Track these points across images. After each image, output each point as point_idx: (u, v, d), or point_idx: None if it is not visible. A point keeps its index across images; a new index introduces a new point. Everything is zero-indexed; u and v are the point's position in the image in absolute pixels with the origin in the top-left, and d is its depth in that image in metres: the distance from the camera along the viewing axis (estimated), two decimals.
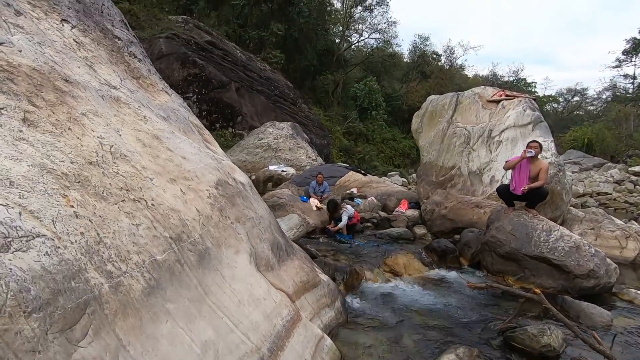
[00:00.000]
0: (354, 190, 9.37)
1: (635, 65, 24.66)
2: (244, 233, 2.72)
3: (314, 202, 7.17)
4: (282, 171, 11.77)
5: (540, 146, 4.91)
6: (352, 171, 10.99)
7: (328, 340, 2.82)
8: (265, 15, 21.65)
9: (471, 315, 3.82)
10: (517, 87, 30.88)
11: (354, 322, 3.60)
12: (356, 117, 25.95)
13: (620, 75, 26.32)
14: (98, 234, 1.63)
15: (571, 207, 7.45)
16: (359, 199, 8.40)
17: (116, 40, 3.48)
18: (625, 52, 24.66)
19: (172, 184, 2.37)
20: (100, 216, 1.71)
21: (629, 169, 16.02)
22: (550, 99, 36.99)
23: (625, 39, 24.71)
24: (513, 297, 3.99)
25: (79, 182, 1.77)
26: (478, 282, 3.63)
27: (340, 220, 6.45)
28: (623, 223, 7.38)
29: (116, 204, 1.86)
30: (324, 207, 7.02)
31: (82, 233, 1.56)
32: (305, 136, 16.17)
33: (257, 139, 14.58)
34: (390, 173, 19.92)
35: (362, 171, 11.39)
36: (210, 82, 16.17)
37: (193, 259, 2.08)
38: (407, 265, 5.08)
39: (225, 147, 14.96)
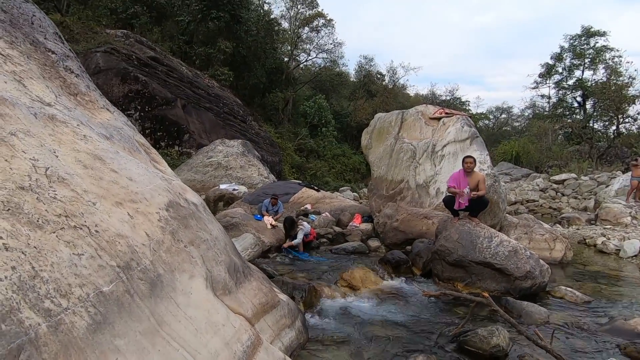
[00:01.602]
0: (308, 206, 9.40)
1: (549, 86, 28.05)
2: (198, 256, 2.59)
3: (268, 220, 7.06)
4: (234, 190, 11.48)
5: (475, 160, 5.34)
6: (305, 187, 11.03)
7: None
8: (212, 32, 21.38)
9: (427, 323, 3.96)
10: (454, 105, 33.52)
11: (315, 340, 3.55)
12: (307, 134, 26.28)
13: (538, 95, 29.74)
14: (33, 268, 1.45)
15: (507, 215, 8.12)
16: (313, 215, 8.43)
17: (49, 53, 3.22)
18: (541, 75, 28.01)
19: (118, 208, 2.20)
20: (35, 247, 1.53)
21: (551, 177, 17.94)
22: (482, 116, 40.58)
23: (540, 64, 28.09)
24: (464, 303, 4.21)
25: (9, 209, 1.57)
26: (433, 291, 3.78)
27: (296, 237, 6.40)
28: (550, 227, 8.20)
29: (54, 232, 1.68)
30: (279, 225, 6.94)
31: (13, 267, 1.38)
32: (257, 153, 15.99)
33: (206, 157, 14.12)
34: (342, 188, 20.29)
35: (315, 187, 11.48)
36: (154, 99, 15.46)
37: (144, 288, 1.93)
38: (364, 278, 5.15)
39: (172, 166, 14.23)
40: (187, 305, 2.16)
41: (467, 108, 37.47)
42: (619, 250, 7.24)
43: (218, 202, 11.22)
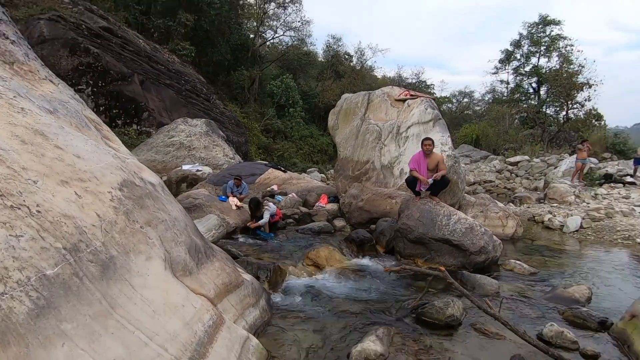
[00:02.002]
0: (275, 187, 9.32)
1: (508, 72, 29.21)
2: (156, 237, 2.49)
3: (233, 201, 6.93)
4: (197, 171, 11.12)
5: (433, 142, 5.50)
6: (271, 168, 10.90)
7: (254, 340, 2.76)
8: (172, 3, 20.06)
9: (388, 297, 4.12)
10: (419, 88, 34.14)
11: (280, 318, 3.59)
12: (274, 115, 25.80)
13: (498, 80, 30.93)
14: None
15: (465, 194, 8.52)
16: (280, 196, 8.38)
17: None
18: (501, 61, 29.05)
19: (63, 187, 2.05)
20: None
21: (506, 159, 18.97)
22: (446, 99, 41.74)
23: (501, 50, 29.09)
24: (423, 277, 4.41)
25: None
26: (393, 266, 3.92)
27: (262, 218, 6.35)
28: (504, 205, 8.72)
29: None
30: (245, 206, 6.84)
31: None
32: (222, 133, 15.52)
33: (167, 137, 13.51)
34: (310, 169, 20.28)
35: (282, 168, 11.38)
36: (107, 73, 14.41)
37: (95, 270, 1.83)
38: (329, 257, 5.25)
39: (130, 146, 13.53)
40: (144, 287, 2.08)
41: (432, 91, 38.32)
42: (563, 226, 7.87)
43: (181, 184, 10.86)
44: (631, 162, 13.66)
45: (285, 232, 6.58)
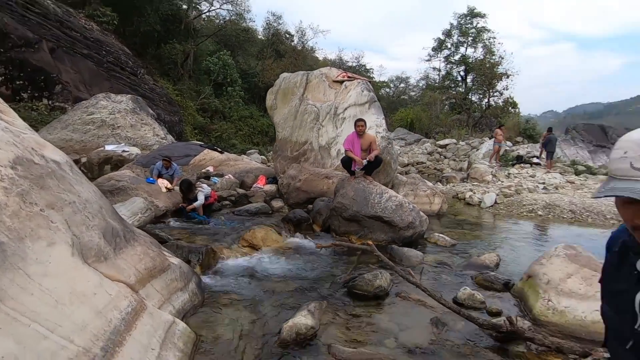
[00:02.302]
0: (210, 168, 8.94)
1: (440, 60, 31.02)
2: (61, 221, 2.23)
3: (163, 183, 6.50)
4: (124, 151, 10.22)
5: (365, 123, 5.68)
6: (207, 149, 10.41)
7: (180, 325, 2.66)
8: None
9: (322, 274, 4.23)
10: (359, 71, 34.77)
11: (213, 301, 3.50)
12: (211, 93, 24.49)
13: (431, 67, 32.74)
14: None
15: (398, 174, 8.99)
16: (215, 178, 8.06)
17: None
18: (434, 49, 30.73)
19: None
20: None
21: (437, 142, 20.37)
22: (384, 84, 43.16)
23: (434, 38, 30.68)
24: (354, 252, 4.59)
25: None
26: (325, 243, 4.01)
27: (195, 200, 6.07)
28: (432, 185, 9.39)
29: None
30: (176, 188, 6.46)
31: None
32: (151, 111, 14.36)
33: (86, 114, 12.13)
34: (250, 151, 19.78)
35: (219, 149, 10.93)
36: (7, 38, 12.38)
37: None
38: (265, 238, 5.21)
39: (41, 122, 11.96)
40: (44, 276, 1.86)
41: (371, 76, 39.27)
42: (481, 202, 8.73)
43: (104, 166, 9.90)
44: (538, 145, 15.50)
45: (221, 214, 6.39)
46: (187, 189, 5.93)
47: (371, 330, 3.06)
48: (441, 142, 19.89)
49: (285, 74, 9.80)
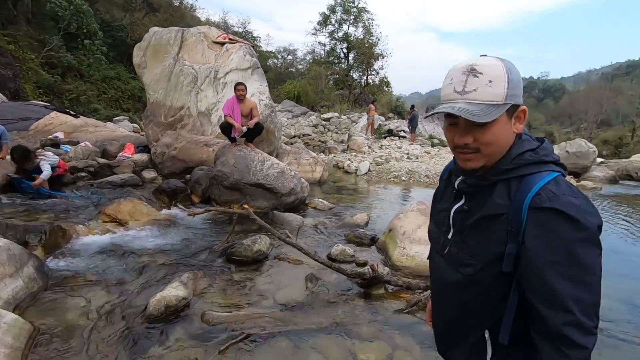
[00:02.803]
0: (60, 134, 7.43)
1: (325, 35, 31.82)
2: None
3: None
4: None
5: (246, 88, 5.48)
6: (55, 112, 8.58)
7: (9, 316, 2.17)
8: None
9: (198, 244, 4.01)
10: (245, 38, 33.16)
11: (61, 285, 2.98)
12: (60, 45, 19.95)
13: (317, 42, 33.41)
14: None
15: (283, 144, 9.06)
16: (67, 146, 6.74)
17: None
18: (319, 24, 31.27)
19: None
20: None
21: (321, 116, 21.22)
22: (272, 54, 42.29)
23: (319, 13, 31.17)
24: (232, 220, 4.47)
25: None
26: (197, 210, 3.79)
27: (38, 171, 4.97)
28: (315, 154, 9.79)
29: None
30: (7, 158, 5.16)
31: None
32: None
33: None
34: (117, 118, 17.13)
35: (72, 112, 9.13)
36: None
37: None
38: (133, 211, 4.64)
39: None
40: None
41: (258, 44, 37.95)
42: (357, 170, 9.53)
43: None
44: (405, 121, 17.63)
45: (76, 187, 5.41)
46: (22, 158, 4.79)
47: (249, 294, 3.06)
48: (325, 116, 20.79)
49: (156, 28, 8.60)
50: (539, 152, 0.85)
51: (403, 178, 8.93)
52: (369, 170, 9.51)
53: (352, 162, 10.27)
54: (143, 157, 6.91)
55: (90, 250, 3.66)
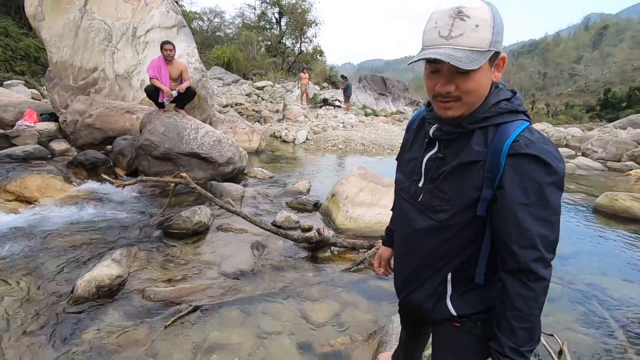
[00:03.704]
0: None
1: None
2: None
3: None
4: None
5: (174, 47, 4.96)
6: None
7: None
8: None
9: (129, 219, 3.67)
10: None
11: None
12: None
13: (246, 4, 31.40)
14: None
15: (216, 112, 8.53)
16: None
17: None
18: None
19: None
20: None
21: (254, 84, 20.36)
22: (197, 15, 38.74)
23: None
24: (167, 192, 4.17)
25: None
26: (127, 180, 3.43)
27: None
28: (251, 124, 9.43)
29: None
30: None
31: None
32: None
33: None
34: (9, 82, 14.46)
35: None
36: None
37: None
38: (44, 187, 4.05)
39: None
40: None
41: (180, 3, 34.44)
42: (295, 139, 9.45)
43: None
44: (340, 91, 17.78)
45: None
46: None
47: (192, 266, 2.90)
48: (258, 84, 20.01)
49: None
50: (514, 101, 0.88)
51: (340, 146, 9.09)
52: (307, 139, 9.49)
53: (289, 131, 10.14)
54: (50, 125, 5.97)
55: None
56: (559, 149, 11.18)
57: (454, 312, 0.97)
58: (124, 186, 3.19)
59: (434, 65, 0.83)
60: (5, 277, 2.53)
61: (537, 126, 16.06)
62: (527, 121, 0.87)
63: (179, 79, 4.96)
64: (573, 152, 10.74)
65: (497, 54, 0.82)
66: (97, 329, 2.12)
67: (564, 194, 5.84)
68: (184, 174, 3.12)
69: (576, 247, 3.79)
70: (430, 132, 0.95)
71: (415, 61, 0.82)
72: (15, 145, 5.14)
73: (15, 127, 5.61)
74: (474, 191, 0.85)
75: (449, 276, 0.96)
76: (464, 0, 0.79)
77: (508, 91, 0.91)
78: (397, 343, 1.61)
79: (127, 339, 2.07)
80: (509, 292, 0.84)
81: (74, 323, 2.16)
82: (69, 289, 2.41)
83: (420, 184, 0.98)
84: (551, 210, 0.80)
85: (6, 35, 19.58)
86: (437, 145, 0.94)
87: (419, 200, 0.97)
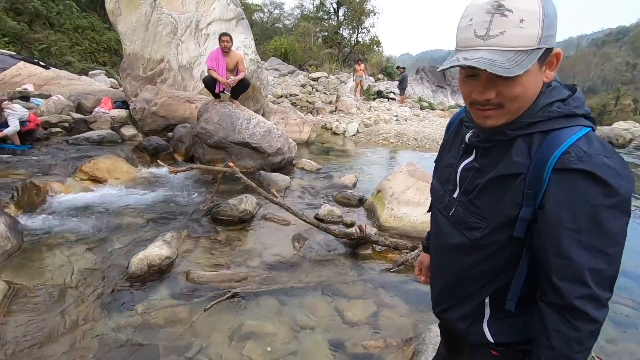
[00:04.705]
0: (29, 87, 6.93)
1: None
2: None
3: None
4: None
5: (231, 39, 5.09)
6: (23, 62, 7.95)
7: None
8: None
9: (182, 203, 3.91)
10: None
11: (37, 244, 2.87)
12: None
13: None
14: None
15: (269, 103, 8.74)
16: (38, 99, 6.31)
17: None
18: None
19: None
20: None
21: (310, 75, 20.51)
22: (258, 7, 39.89)
23: None
24: (217, 180, 4.35)
25: None
26: (180, 167, 3.64)
27: (5, 126, 4.66)
28: (303, 115, 9.52)
29: None
30: None
31: None
32: None
33: None
34: (93, 72, 16.12)
35: (42, 63, 8.49)
36: None
37: None
38: (113, 169, 4.45)
39: None
40: None
41: None
42: (345, 131, 9.37)
43: None
44: (396, 83, 17.23)
45: (49, 143, 5.12)
46: None
47: (235, 253, 3.01)
48: (313, 75, 20.10)
49: None
50: (570, 103, 0.73)
51: (391, 140, 8.83)
52: (357, 131, 9.35)
53: (340, 123, 10.06)
54: (121, 112, 6.55)
55: (68, 209, 3.51)
56: None
57: (491, 339, 0.86)
58: (176, 172, 3.39)
59: (470, 70, 0.70)
60: (73, 249, 2.83)
61: (620, 125, 14.19)
62: (589, 127, 0.72)
63: (235, 69, 5.12)
64: None
65: (549, 50, 0.68)
66: (146, 305, 2.28)
67: None
68: (231, 164, 3.23)
69: None
70: (467, 137, 0.83)
71: (446, 68, 0.70)
72: (92, 129, 5.72)
73: (93, 114, 6.23)
74: (512, 209, 0.73)
75: (487, 300, 0.86)
76: None
77: (565, 89, 0.76)
78: (434, 354, 1.51)
79: (171, 317, 2.21)
80: (547, 327, 0.72)
81: (126, 297, 2.35)
82: (126, 265, 2.63)
83: (454, 195, 0.87)
84: (608, 239, 0.66)
85: (92, 30, 21.76)
86: (473, 153, 0.83)
87: (451, 213, 0.87)
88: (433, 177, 1.00)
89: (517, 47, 0.65)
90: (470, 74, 0.72)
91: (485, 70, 0.65)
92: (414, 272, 1.31)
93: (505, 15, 0.64)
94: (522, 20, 0.64)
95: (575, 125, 0.71)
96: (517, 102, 0.71)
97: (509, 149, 0.75)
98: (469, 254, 0.83)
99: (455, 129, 0.95)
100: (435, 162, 1.03)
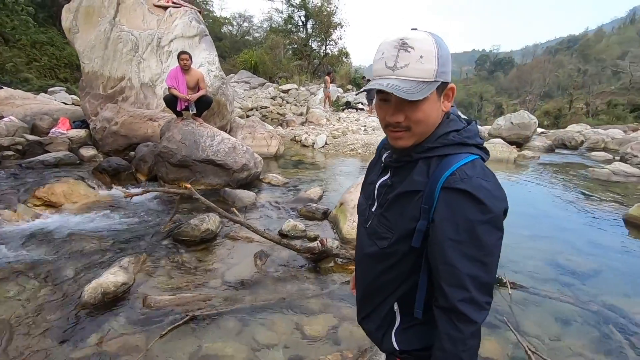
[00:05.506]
0: None
1: (281, 1, 30.40)
2: None
3: None
4: None
5: (190, 57, 5.10)
6: None
7: None
8: None
9: (143, 226, 3.83)
10: (195, 2, 30.79)
11: None
12: None
13: (274, 8, 31.89)
14: None
15: (237, 117, 8.73)
16: None
17: None
18: None
19: None
20: None
21: (280, 87, 20.63)
22: (226, 21, 39.85)
23: None
24: (180, 199, 4.31)
25: None
26: (134, 191, 3.58)
27: None
28: (271, 128, 9.57)
29: None
30: None
31: None
32: None
33: None
34: (53, 89, 15.52)
35: None
36: None
37: None
38: (69, 193, 4.30)
39: None
40: None
41: (210, 9, 35.54)
42: (314, 143, 9.48)
43: None
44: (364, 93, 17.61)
45: (0, 168, 4.89)
46: None
47: (196, 275, 2.99)
48: (284, 87, 20.25)
49: None
50: (463, 133, 0.85)
51: (359, 151, 9.02)
52: (326, 143, 9.49)
53: (309, 135, 10.18)
54: (80, 132, 6.35)
55: (19, 238, 3.37)
56: (595, 153, 10.55)
57: (396, 347, 0.96)
58: (132, 196, 3.33)
59: (383, 95, 0.83)
60: (22, 280, 2.72)
61: (573, 127, 15.14)
62: (478, 155, 0.84)
63: (196, 87, 5.12)
64: (611, 157, 10.05)
65: (445, 84, 0.82)
66: (100, 335, 2.22)
67: (591, 203, 5.49)
68: (188, 185, 3.22)
69: (599, 264, 3.54)
70: (383, 158, 0.96)
71: (362, 91, 0.84)
72: (48, 151, 5.51)
73: (49, 135, 6.01)
74: (411, 222, 0.84)
75: (396, 307, 0.94)
76: (408, 32, 0.79)
77: (462, 122, 0.89)
78: None
79: (126, 345, 2.16)
80: (439, 330, 0.81)
81: (79, 328, 2.28)
82: (79, 294, 2.55)
83: (373, 209, 0.98)
84: (484, 250, 0.77)
85: (51, 45, 20.99)
86: (389, 171, 0.95)
87: (368, 225, 0.97)
88: (360, 193, 1.10)
89: (418, 77, 0.78)
90: (384, 98, 0.84)
91: (393, 93, 0.76)
92: (350, 287, 1.38)
93: (409, 52, 0.77)
94: (421, 57, 0.77)
95: (465, 153, 0.83)
96: (421, 126, 0.83)
97: (412, 169, 0.87)
98: (380, 262, 0.93)
99: (379, 150, 1.07)
100: (363, 180, 1.13)
